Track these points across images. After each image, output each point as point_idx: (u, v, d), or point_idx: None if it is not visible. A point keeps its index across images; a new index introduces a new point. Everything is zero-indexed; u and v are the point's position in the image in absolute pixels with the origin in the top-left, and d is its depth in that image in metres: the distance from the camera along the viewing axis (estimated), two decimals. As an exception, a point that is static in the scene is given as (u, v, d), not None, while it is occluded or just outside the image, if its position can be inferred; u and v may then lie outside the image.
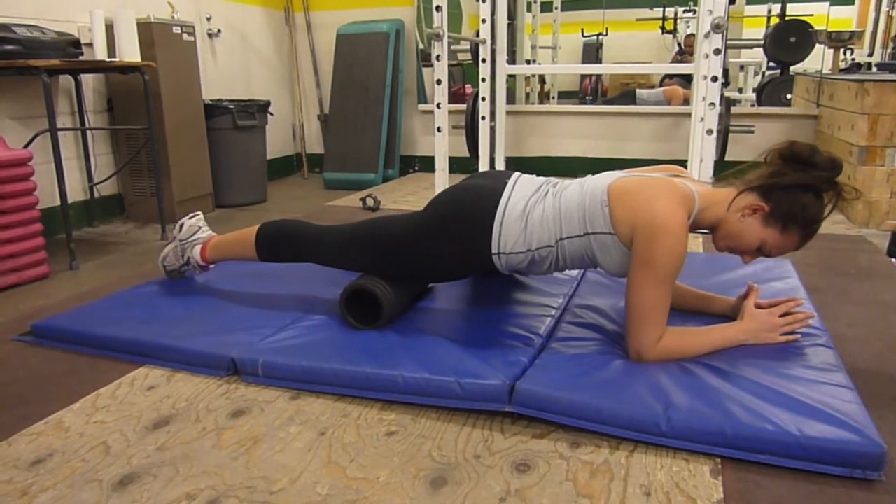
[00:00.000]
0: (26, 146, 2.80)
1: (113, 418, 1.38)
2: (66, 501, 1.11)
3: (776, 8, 5.69)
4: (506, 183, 1.64)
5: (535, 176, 1.72)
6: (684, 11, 6.98)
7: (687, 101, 5.47)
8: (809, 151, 1.45)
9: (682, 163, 3.28)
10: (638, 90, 5.93)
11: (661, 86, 6.07)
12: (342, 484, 1.15)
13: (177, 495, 1.12)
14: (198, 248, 2.00)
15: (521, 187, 1.63)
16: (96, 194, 3.58)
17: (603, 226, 1.49)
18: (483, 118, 4.11)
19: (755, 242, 1.50)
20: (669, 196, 1.44)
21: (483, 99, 4.08)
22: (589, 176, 1.62)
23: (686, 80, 5.72)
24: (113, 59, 3.09)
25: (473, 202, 1.63)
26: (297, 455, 1.24)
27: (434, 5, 3.57)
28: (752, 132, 3.80)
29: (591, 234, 1.51)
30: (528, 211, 1.57)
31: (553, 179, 1.69)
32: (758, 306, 1.60)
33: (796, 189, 1.44)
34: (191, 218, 2.04)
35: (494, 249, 1.59)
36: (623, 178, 1.54)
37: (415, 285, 1.81)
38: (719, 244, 1.57)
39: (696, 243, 2.61)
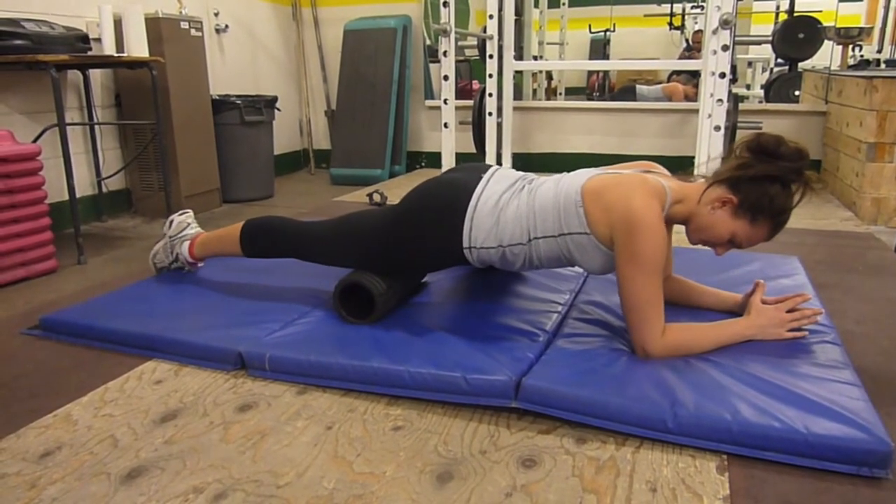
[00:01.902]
0: (35, 141, 2.82)
1: (121, 412, 1.39)
2: (74, 494, 1.12)
3: (784, 4, 5.67)
4: (481, 177, 1.65)
5: (512, 170, 1.73)
6: (692, 7, 6.96)
7: (687, 98, 5.46)
8: (775, 143, 1.45)
9: (690, 159, 3.28)
10: (638, 86, 5.92)
11: (668, 82, 6.05)
12: (348, 478, 1.15)
13: (184, 488, 1.13)
14: (186, 245, 2.03)
15: (496, 181, 1.64)
16: (104, 189, 3.59)
17: (578, 226, 1.50)
18: (490, 114, 4.11)
19: (726, 234, 1.50)
20: (642, 191, 1.45)
21: (490, 95, 4.08)
22: (564, 174, 1.62)
23: (693, 76, 5.70)
24: (121, 55, 3.10)
25: (446, 195, 1.64)
26: (303, 449, 1.24)
27: (441, 1, 3.57)
28: (759, 129, 3.78)
29: (566, 235, 1.52)
30: (500, 206, 1.58)
31: (530, 175, 1.69)
32: (764, 302, 1.60)
33: (763, 180, 1.45)
34: (180, 215, 2.07)
35: (466, 243, 1.60)
36: (596, 176, 1.54)
37: (404, 279, 1.81)
38: (692, 237, 1.58)
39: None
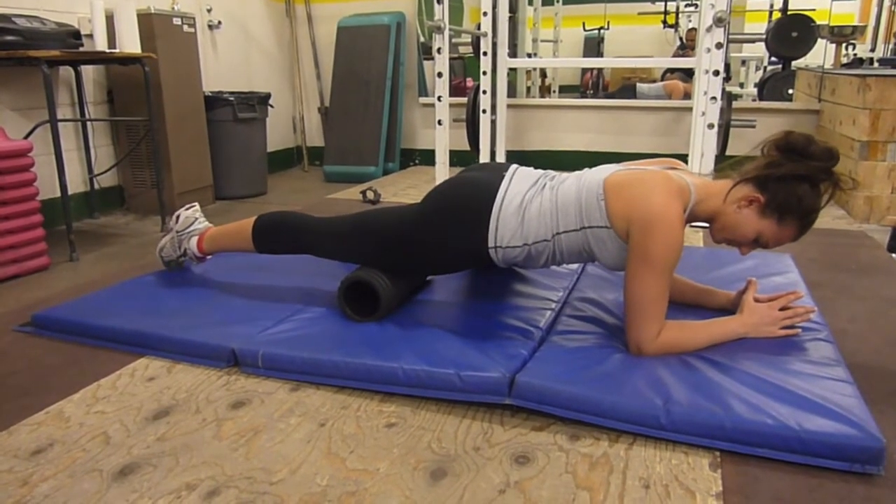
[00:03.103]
0: (26, 137, 2.80)
1: (113, 409, 1.38)
2: (66, 491, 1.11)
3: (778, 2, 5.68)
4: (503, 176, 1.64)
5: (532, 168, 1.72)
6: (686, 5, 6.97)
7: (687, 96, 5.46)
8: (805, 142, 1.44)
9: (683, 157, 3.28)
10: (638, 84, 5.92)
11: (662, 80, 6.06)
12: (342, 475, 1.15)
13: (177, 485, 1.12)
14: (195, 240, 2.01)
15: (519, 180, 1.63)
16: (96, 186, 3.57)
17: (599, 220, 1.49)
18: (484, 112, 4.10)
19: (752, 234, 1.49)
20: (664, 189, 1.44)
21: (484, 92, 4.07)
22: (586, 169, 1.62)
23: (688, 74, 5.71)
24: (113, 51, 3.08)
25: (471, 195, 1.63)
26: (296, 446, 1.24)
27: (435, -2, 3.56)
28: (753, 127, 3.79)
29: (587, 228, 1.51)
30: (524, 205, 1.57)
31: (551, 172, 1.69)
32: (757, 300, 1.60)
33: (792, 180, 1.43)
34: (187, 209, 2.05)
35: (491, 243, 1.59)
36: (619, 171, 1.54)
37: (413, 277, 1.81)
38: (716, 236, 1.57)
39: (697, 238, 2.61)
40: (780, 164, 1.45)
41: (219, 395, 1.44)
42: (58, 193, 2.75)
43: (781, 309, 1.56)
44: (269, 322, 1.68)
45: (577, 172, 1.62)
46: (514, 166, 1.71)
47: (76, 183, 3.43)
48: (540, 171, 1.70)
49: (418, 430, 1.29)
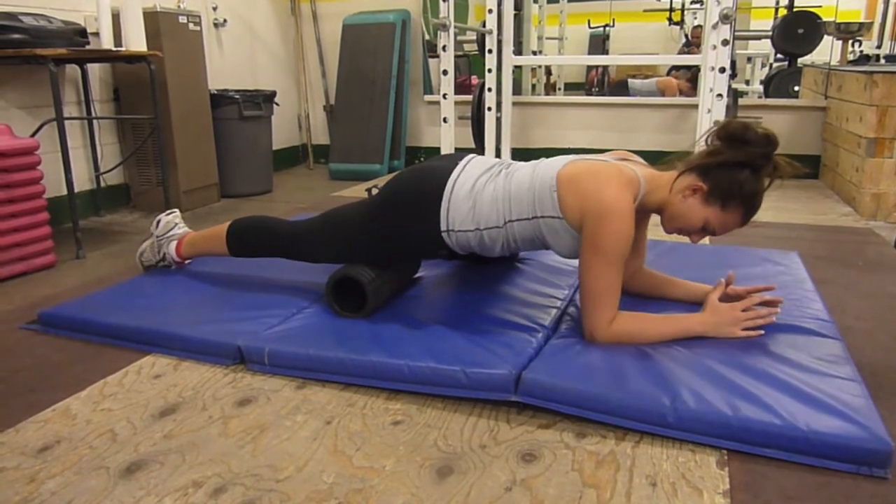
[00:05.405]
0: (33, 135, 2.80)
1: (120, 406, 1.39)
2: (73, 488, 1.12)
3: (784, -1, 5.66)
4: (457, 163, 1.68)
5: (490, 157, 1.76)
6: (692, 2, 6.95)
7: (681, 93, 5.45)
8: (742, 129, 1.46)
9: (688, 154, 3.27)
10: (630, 80, 5.89)
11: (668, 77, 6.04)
12: (348, 472, 1.15)
13: (183, 482, 1.12)
14: (173, 244, 2.05)
15: (473, 166, 1.67)
16: (102, 184, 3.58)
17: (551, 210, 1.52)
18: (489, 109, 4.10)
19: (698, 222, 1.51)
20: (616, 181, 1.46)
21: (489, 90, 4.07)
22: (542, 159, 1.64)
23: (691, 71, 5.69)
24: (119, 49, 3.08)
25: (423, 181, 1.67)
26: (303, 443, 1.24)
27: (440, -5, 3.56)
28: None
29: (540, 218, 1.54)
30: (476, 190, 1.60)
31: (507, 160, 1.72)
32: (735, 293, 1.60)
33: (732, 166, 1.46)
34: (167, 214, 2.10)
35: (443, 227, 1.62)
36: (572, 163, 1.56)
37: (395, 269, 1.80)
38: (667, 226, 1.59)
39: (703, 235, 2.60)
40: (720, 153, 1.48)
41: (225, 392, 1.44)
42: (64, 191, 2.76)
43: (745, 310, 1.55)
44: (275, 319, 1.68)
45: (532, 162, 1.65)
46: (470, 155, 1.75)
47: (82, 181, 3.44)
48: (496, 159, 1.74)
49: (424, 428, 1.29)
